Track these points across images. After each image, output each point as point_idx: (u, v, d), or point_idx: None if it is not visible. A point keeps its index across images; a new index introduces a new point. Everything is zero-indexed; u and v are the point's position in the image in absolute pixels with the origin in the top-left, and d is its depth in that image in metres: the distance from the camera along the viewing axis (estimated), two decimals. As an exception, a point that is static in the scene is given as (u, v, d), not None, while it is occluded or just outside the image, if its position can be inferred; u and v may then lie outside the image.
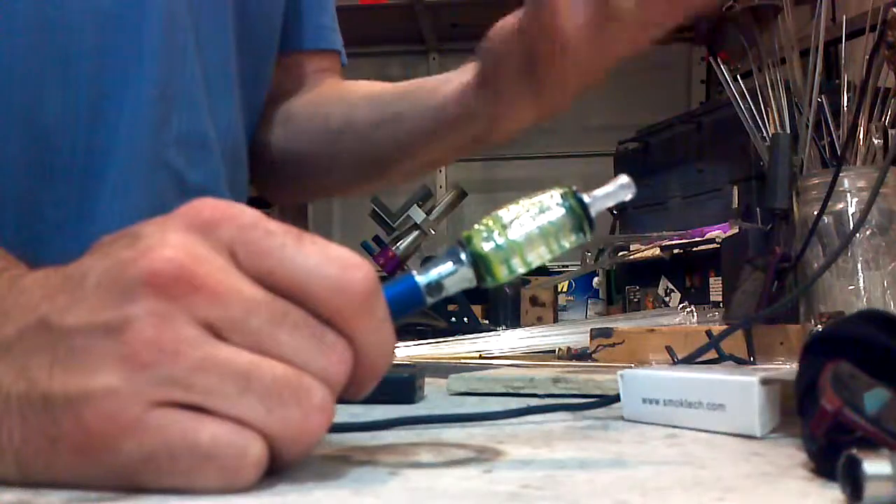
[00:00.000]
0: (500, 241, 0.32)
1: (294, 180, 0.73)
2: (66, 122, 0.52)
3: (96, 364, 0.25)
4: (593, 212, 0.33)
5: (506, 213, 0.32)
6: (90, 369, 0.25)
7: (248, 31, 0.65)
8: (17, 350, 0.26)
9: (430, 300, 0.31)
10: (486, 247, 0.32)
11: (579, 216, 0.32)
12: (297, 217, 2.17)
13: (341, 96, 0.71)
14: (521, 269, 0.32)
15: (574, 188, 0.33)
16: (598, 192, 0.33)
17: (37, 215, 0.52)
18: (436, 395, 0.54)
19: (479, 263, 0.32)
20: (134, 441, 0.25)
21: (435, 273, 0.31)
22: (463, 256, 0.32)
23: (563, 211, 0.32)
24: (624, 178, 0.34)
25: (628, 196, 0.34)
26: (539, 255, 0.32)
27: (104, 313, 0.26)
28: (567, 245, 0.33)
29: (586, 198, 0.33)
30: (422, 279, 0.31)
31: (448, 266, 0.32)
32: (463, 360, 0.83)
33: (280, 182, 0.74)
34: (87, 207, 0.53)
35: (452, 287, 0.32)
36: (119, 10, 0.53)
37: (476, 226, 0.32)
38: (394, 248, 1.58)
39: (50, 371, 0.26)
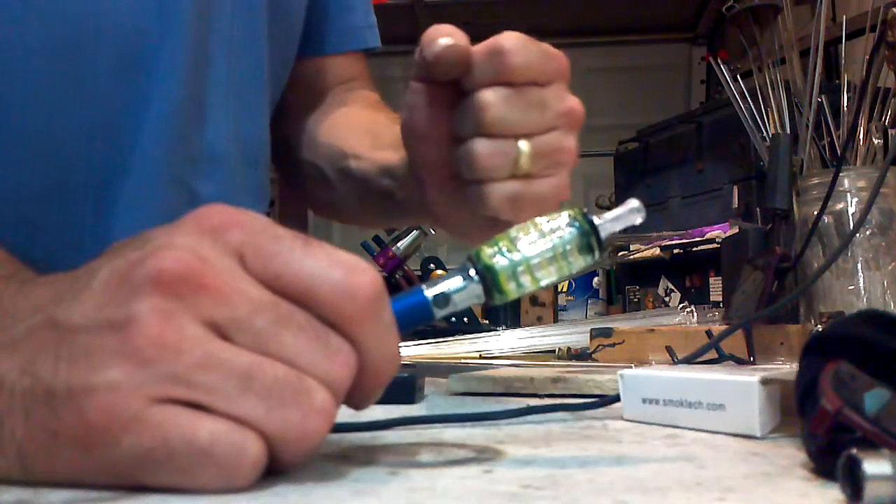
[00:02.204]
0: (510, 256, 0.32)
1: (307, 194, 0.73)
2: (81, 141, 0.51)
3: (100, 359, 0.25)
4: (603, 234, 0.33)
5: (516, 231, 0.33)
6: (94, 365, 0.25)
7: (279, 34, 0.65)
8: (23, 348, 0.27)
9: (438, 314, 0.31)
10: (496, 262, 0.32)
11: (589, 237, 0.33)
12: (297, 217, 2.17)
13: (332, 142, 0.68)
14: (531, 287, 0.32)
15: (584, 210, 0.33)
16: (608, 214, 0.34)
17: (51, 234, 0.52)
18: (436, 395, 0.54)
19: (488, 278, 0.32)
20: (133, 436, 0.25)
21: (444, 287, 0.32)
22: (472, 272, 0.32)
23: (573, 230, 0.33)
24: (634, 203, 0.34)
25: (638, 220, 0.34)
26: (548, 274, 0.32)
27: (109, 310, 0.26)
28: (576, 265, 0.33)
29: (596, 220, 0.33)
30: (430, 293, 0.31)
31: (457, 281, 0.32)
32: (463, 360, 0.83)
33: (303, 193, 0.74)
34: (101, 225, 0.53)
35: (461, 302, 0.32)
36: (140, 25, 0.52)
37: (488, 243, 0.33)
38: (394, 248, 1.57)
39: (55, 367, 0.26)
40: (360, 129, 0.67)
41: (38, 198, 0.51)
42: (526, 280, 0.32)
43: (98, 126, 0.52)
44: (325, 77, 0.73)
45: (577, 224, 0.33)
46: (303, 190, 0.73)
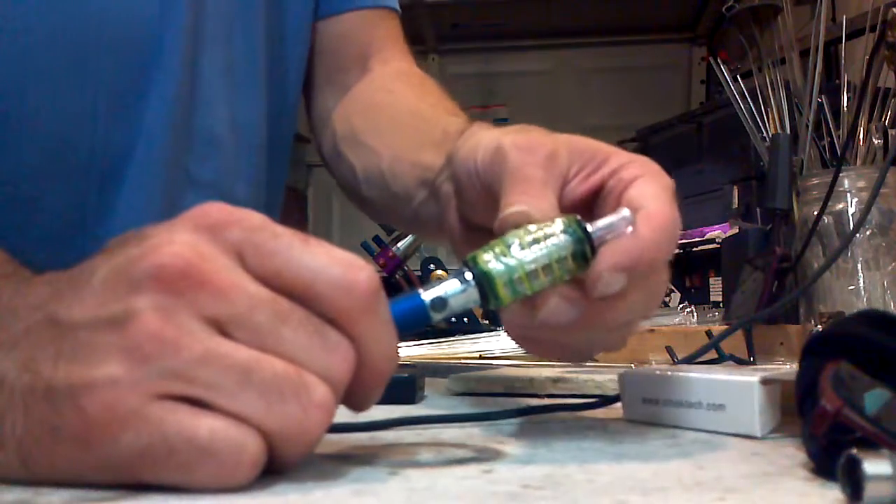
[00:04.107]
0: (506, 262, 0.32)
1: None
2: (84, 122, 0.52)
3: (100, 356, 0.25)
4: (596, 242, 0.34)
5: (511, 237, 0.33)
6: (94, 360, 0.25)
7: (278, 18, 0.64)
8: (23, 345, 0.27)
9: (435, 318, 0.32)
10: (492, 267, 0.32)
11: (583, 244, 0.33)
12: (297, 216, 2.17)
13: (369, 143, 0.62)
14: (526, 292, 0.33)
15: (578, 217, 0.34)
16: (600, 223, 0.34)
17: (52, 214, 0.52)
18: (436, 395, 0.54)
19: (484, 283, 0.32)
20: (132, 432, 0.25)
21: (440, 291, 0.32)
22: (468, 276, 0.32)
23: (567, 238, 0.33)
24: (625, 212, 0.35)
25: (629, 229, 0.34)
26: (543, 280, 0.33)
27: (109, 307, 0.26)
28: (570, 272, 0.33)
29: (589, 227, 0.34)
30: (427, 297, 0.32)
31: (454, 285, 0.32)
32: (463, 360, 0.82)
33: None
34: (105, 206, 0.53)
35: (457, 306, 0.32)
36: (142, 10, 0.53)
37: (484, 247, 0.33)
38: (394, 249, 1.57)
39: (55, 363, 0.26)
40: (403, 124, 0.61)
41: (38, 177, 0.51)
42: (521, 286, 0.32)
43: (101, 108, 0.52)
44: (350, 40, 0.70)
45: (571, 231, 0.33)
46: (340, 178, 0.68)
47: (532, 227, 0.33)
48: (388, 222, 0.62)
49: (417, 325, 0.32)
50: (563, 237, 0.33)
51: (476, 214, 0.44)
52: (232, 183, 0.61)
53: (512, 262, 0.32)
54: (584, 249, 0.33)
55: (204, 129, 0.58)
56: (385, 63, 0.70)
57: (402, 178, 0.55)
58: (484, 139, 0.42)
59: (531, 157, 0.38)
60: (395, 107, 0.64)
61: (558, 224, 0.33)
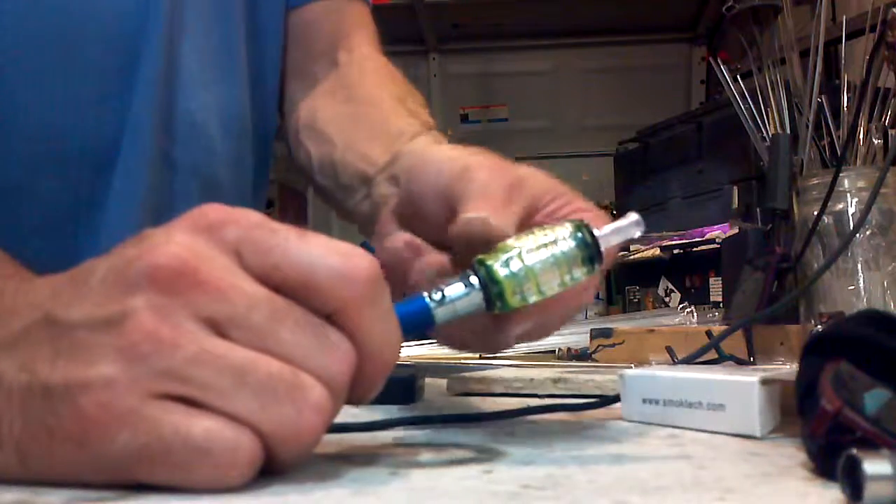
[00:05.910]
0: (515, 267, 0.32)
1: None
2: (75, 110, 0.53)
3: (96, 355, 0.26)
4: (603, 246, 0.33)
5: (519, 241, 0.33)
6: (90, 360, 0.26)
7: (254, 9, 0.65)
8: (21, 345, 0.27)
9: (439, 321, 0.31)
10: (501, 272, 0.32)
11: (591, 249, 0.33)
12: (297, 217, 2.17)
13: (325, 132, 0.62)
14: (534, 297, 0.32)
15: (586, 222, 0.34)
16: (608, 227, 0.34)
17: (48, 204, 0.53)
18: (436, 395, 0.54)
19: (492, 288, 0.32)
20: (129, 432, 0.25)
21: (446, 295, 0.32)
22: (474, 280, 0.32)
23: (575, 242, 0.33)
24: (634, 216, 0.34)
25: (637, 233, 0.34)
26: (550, 285, 0.33)
27: (106, 307, 0.26)
28: (578, 277, 0.33)
29: (597, 232, 0.33)
30: (432, 300, 0.31)
31: (460, 288, 0.32)
32: (463, 360, 0.83)
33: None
34: (98, 194, 0.54)
35: (462, 310, 0.32)
36: (124, 6, 0.54)
37: (490, 252, 0.32)
38: (394, 248, 1.57)
39: (52, 363, 0.26)
40: (360, 114, 0.60)
41: (30, 168, 0.52)
42: (529, 291, 0.32)
43: (89, 97, 0.53)
44: (318, 29, 0.70)
45: (579, 236, 0.33)
46: (299, 166, 0.67)
47: (538, 232, 0.33)
48: (338, 214, 0.61)
49: (421, 328, 0.32)
50: (571, 242, 0.33)
51: (422, 225, 0.43)
52: (216, 168, 0.61)
53: (521, 267, 0.32)
54: (592, 254, 0.33)
55: (185, 114, 0.59)
56: (350, 51, 0.69)
57: (350, 168, 0.55)
58: (443, 154, 0.43)
59: (499, 178, 0.39)
60: (358, 97, 0.64)
61: (567, 228, 0.33)
